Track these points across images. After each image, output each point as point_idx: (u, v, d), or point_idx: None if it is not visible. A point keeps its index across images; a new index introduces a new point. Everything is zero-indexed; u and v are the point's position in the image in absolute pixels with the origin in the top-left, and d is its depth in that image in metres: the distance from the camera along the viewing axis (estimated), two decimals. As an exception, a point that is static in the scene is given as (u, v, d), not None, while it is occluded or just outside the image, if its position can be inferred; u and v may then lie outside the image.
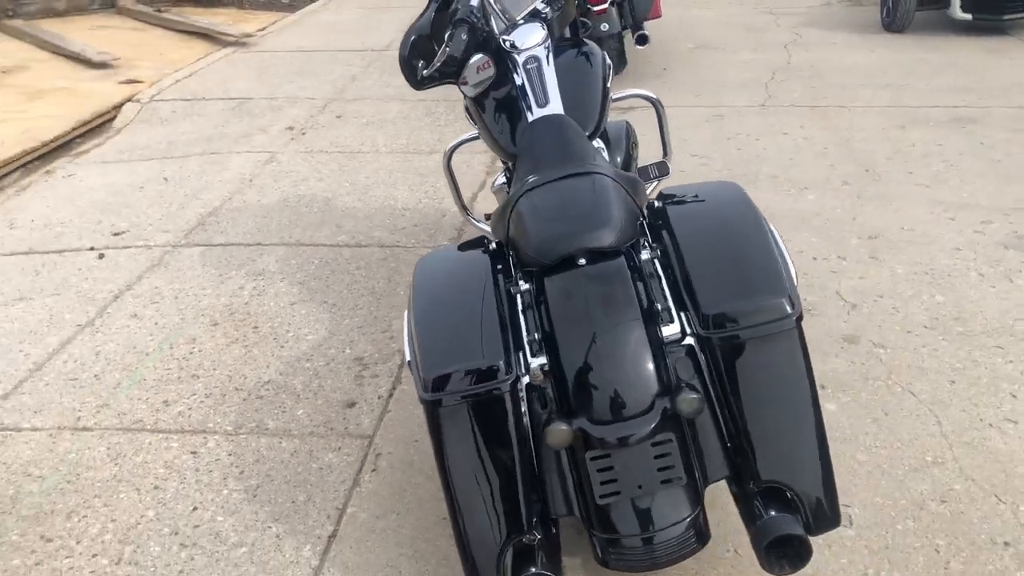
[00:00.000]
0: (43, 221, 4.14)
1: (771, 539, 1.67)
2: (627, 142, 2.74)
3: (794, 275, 1.85)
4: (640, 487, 1.70)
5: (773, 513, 1.71)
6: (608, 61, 2.68)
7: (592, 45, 2.70)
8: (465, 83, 2.53)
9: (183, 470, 2.40)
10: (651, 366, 1.73)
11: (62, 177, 4.71)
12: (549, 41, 2.61)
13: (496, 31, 2.61)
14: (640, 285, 1.83)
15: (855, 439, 2.42)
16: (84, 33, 7.43)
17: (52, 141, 5.14)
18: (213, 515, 2.24)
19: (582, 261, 1.85)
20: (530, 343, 1.79)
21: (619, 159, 2.65)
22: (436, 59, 2.52)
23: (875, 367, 2.72)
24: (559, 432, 1.68)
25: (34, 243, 3.90)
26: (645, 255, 1.88)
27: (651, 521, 1.70)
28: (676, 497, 1.72)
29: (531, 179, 2.06)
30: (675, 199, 2.07)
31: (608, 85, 2.60)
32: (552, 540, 1.81)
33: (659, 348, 1.77)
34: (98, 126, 5.54)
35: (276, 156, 4.73)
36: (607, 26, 5.52)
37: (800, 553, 1.68)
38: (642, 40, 5.59)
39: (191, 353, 2.96)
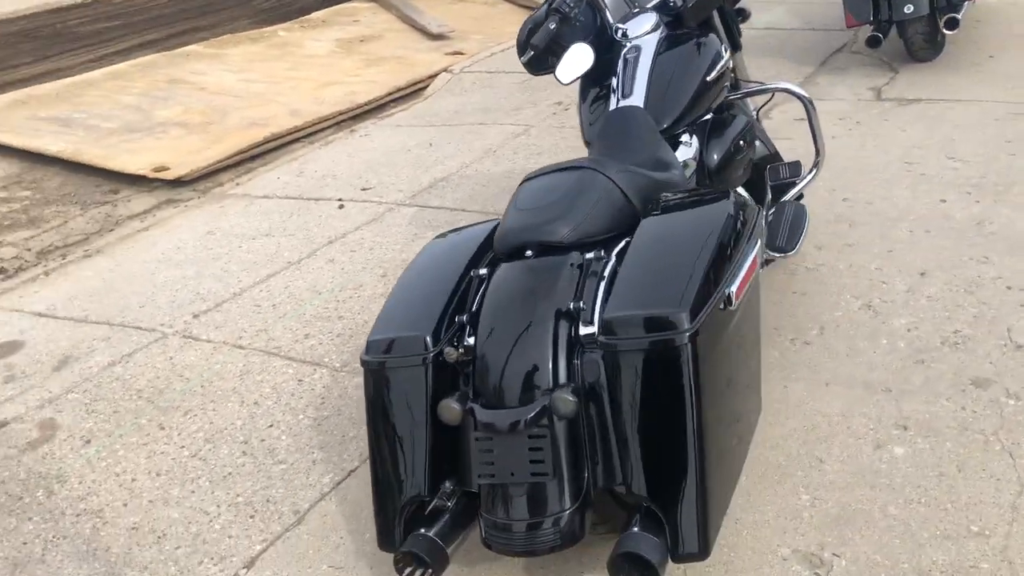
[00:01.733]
0: (322, 172, 4.84)
1: (618, 553, 1.65)
2: (734, 138, 2.61)
3: (728, 294, 1.76)
4: (512, 475, 1.75)
5: (636, 529, 1.68)
6: (724, 55, 2.59)
7: (711, 38, 2.63)
8: (557, 72, 2.61)
9: (283, 393, 2.82)
10: (548, 362, 1.77)
11: (359, 136, 5.43)
12: (660, 31, 2.59)
13: (611, 20, 2.64)
14: (578, 283, 1.85)
15: (900, 489, 2.16)
16: (443, 7, 8.27)
17: (366, 104, 5.90)
18: (280, 434, 2.63)
19: (529, 253, 1.91)
20: (464, 324, 1.90)
21: (716, 155, 2.55)
22: (529, 47, 2.63)
23: (987, 418, 2.36)
24: (448, 409, 1.79)
25: (304, 190, 4.60)
26: (590, 255, 1.89)
27: (520, 509, 1.75)
28: (551, 492, 1.74)
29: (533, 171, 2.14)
30: (667, 202, 2.03)
31: (710, 78, 2.53)
32: (469, 510, 1.92)
33: (571, 347, 1.79)
34: (412, 93, 6.23)
35: (529, 130, 5.02)
36: (911, 8, 5.03)
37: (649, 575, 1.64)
38: (952, 24, 5.01)
39: (351, 297, 3.38)
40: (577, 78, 2.63)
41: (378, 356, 1.90)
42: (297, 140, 5.49)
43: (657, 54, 2.56)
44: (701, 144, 2.56)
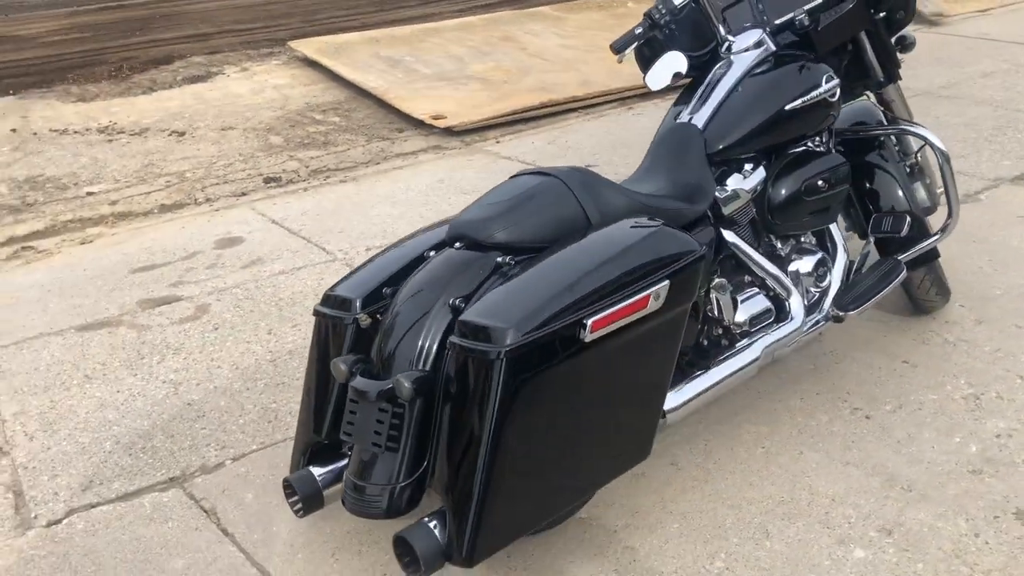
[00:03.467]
0: (571, 144, 5.05)
1: (395, 534, 1.74)
2: (812, 176, 2.38)
3: (584, 323, 1.73)
4: (362, 440, 1.89)
5: (426, 519, 1.75)
6: (823, 85, 2.39)
7: (818, 66, 2.44)
8: (646, 79, 2.57)
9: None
10: (418, 347, 1.87)
11: (632, 115, 5.54)
12: (763, 48, 2.46)
13: (723, 31, 2.54)
14: (480, 283, 1.91)
15: (821, 591, 1.94)
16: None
17: (656, 84, 5.93)
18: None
19: (458, 245, 2.00)
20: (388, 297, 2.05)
21: (784, 190, 2.36)
22: (612, 49, 2.61)
23: (994, 554, 2.02)
24: (336, 367, 1.96)
25: (540, 158, 4.84)
26: (502, 259, 1.93)
27: (360, 472, 1.88)
28: (387, 464, 1.86)
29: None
30: (626, 224, 1.98)
31: (790, 107, 2.37)
32: None
33: (444, 339, 1.87)
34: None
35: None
36: None
37: (416, 565, 1.71)
38: None
39: (491, 262, 3.59)
40: (666, 87, 2.57)
41: (322, 308, 2.11)
42: (575, 110, 5.70)
43: (746, 74, 2.42)
44: (770, 176, 2.39)
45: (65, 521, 2.29)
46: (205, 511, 2.31)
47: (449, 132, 5.39)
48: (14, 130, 5.75)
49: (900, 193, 2.67)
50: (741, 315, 2.32)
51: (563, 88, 5.89)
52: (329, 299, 2.11)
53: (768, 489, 2.25)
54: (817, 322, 2.45)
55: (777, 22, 2.53)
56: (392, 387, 1.82)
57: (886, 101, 2.74)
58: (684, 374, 2.18)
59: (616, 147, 4.89)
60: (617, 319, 1.77)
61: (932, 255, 2.69)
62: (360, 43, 6.91)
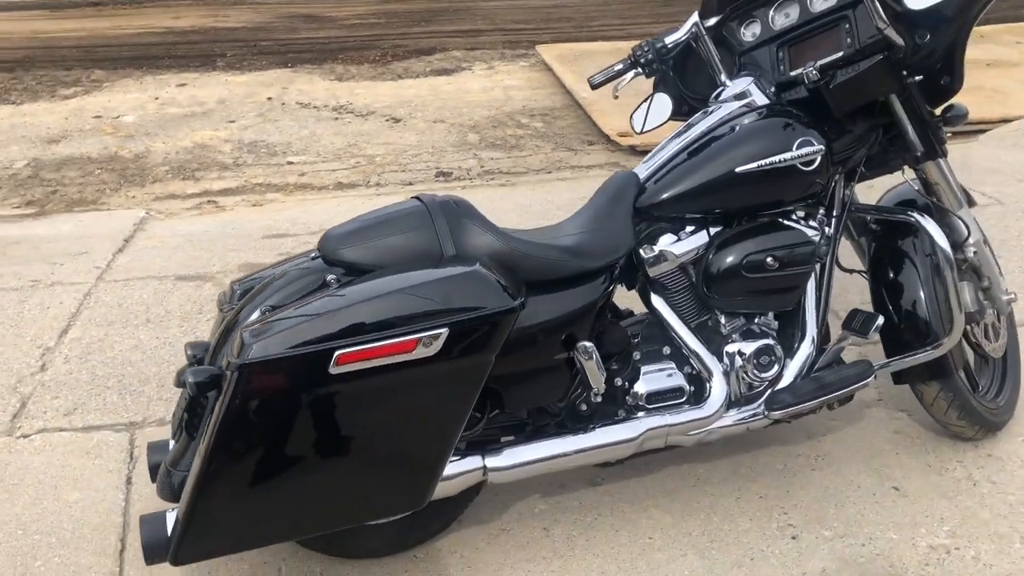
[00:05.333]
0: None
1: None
2: (760, 251, 2.08)
3: (333, 354, 1.68)
4: (174, 423, 1.98)
5: (170, 509, 1.81)
6: (794, 152, 2.09)
7: (800, 131, 2.13)
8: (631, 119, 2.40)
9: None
10: (230, 343, 1.92)
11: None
12: (748, 99, 2.20)
13: (722, 76, 2.31)
14: (303, 295, 1.92)
15: None
16: None
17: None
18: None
19: (313, 255, 2.02)
20: None
21: (727, 259, 2.10)
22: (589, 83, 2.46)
23: None
24: (185, 349, 2.07)
25: (700, 190, 4.59)
26: (328, 276, 1.91)
27: (171, 455, 1.97)
28: (185, 450, 1.93)
29: None
30: (447, 265, 1.88)
31: (743, 169, 2.10)
32: None
33: None
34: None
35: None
36: None
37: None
38: None
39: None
40: (651, 129, 2.38)
41: (221, 295, 2.23)
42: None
43: (718, 124, 2.16)
44: (713, 242, 2.11)
45: (31, 437, 2.63)
46: (131, 458, 2.53)
47: (634, 151, 5.28)
48: (270, 98, 6.50)
49: (921, 291, 2.24)
50: (641, 387, 2.10)
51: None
52: (228, 288, 2.22)
53: (618, 586, 2.02)
54: (755, 415, 2.14)
55: (792, 74, 2.23)
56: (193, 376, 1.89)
57: (925, 180, 2.29)
58: (538, 435, 2.03)
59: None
60: (370, 357, 1.69)
61: (940, 371, 2.22)
62: (603, 52, 6.93)
